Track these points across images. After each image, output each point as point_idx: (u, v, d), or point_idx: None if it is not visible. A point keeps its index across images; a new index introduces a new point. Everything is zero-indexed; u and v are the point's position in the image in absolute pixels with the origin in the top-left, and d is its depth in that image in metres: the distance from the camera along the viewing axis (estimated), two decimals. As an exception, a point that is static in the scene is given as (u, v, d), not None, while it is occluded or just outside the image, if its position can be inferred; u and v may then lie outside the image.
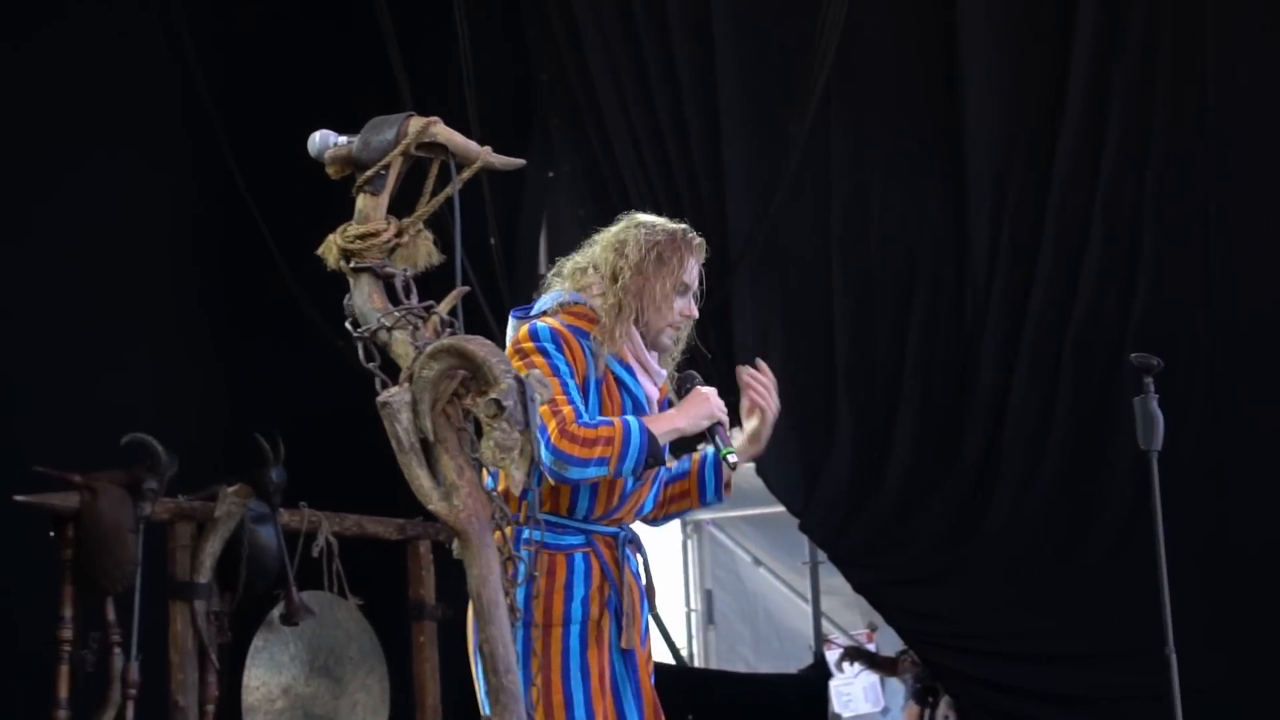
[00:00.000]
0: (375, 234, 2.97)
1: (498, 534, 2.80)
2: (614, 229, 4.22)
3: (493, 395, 2.73)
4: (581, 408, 3.97)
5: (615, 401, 4.09)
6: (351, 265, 2.99)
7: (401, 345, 2.88)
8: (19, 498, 6.03)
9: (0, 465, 6.31)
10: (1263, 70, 7.34)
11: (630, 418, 4.00)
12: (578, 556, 4.04)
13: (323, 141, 3.13)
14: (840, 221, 8.09)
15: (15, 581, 6.58)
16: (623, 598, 4.05)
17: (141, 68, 8.42)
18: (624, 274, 4.09)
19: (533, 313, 4.15)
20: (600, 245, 4.20)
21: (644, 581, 4.18)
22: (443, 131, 3.07)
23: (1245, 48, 7.38)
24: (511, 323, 4.12)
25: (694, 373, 4.25)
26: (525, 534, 3.97)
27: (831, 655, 11.54)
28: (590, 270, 4.17)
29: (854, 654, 9.81)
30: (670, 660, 9.67)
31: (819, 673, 9.95)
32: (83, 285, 7.81)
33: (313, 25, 8.83)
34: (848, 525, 7.88)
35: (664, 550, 12.50)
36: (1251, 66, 7.35)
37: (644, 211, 8.07)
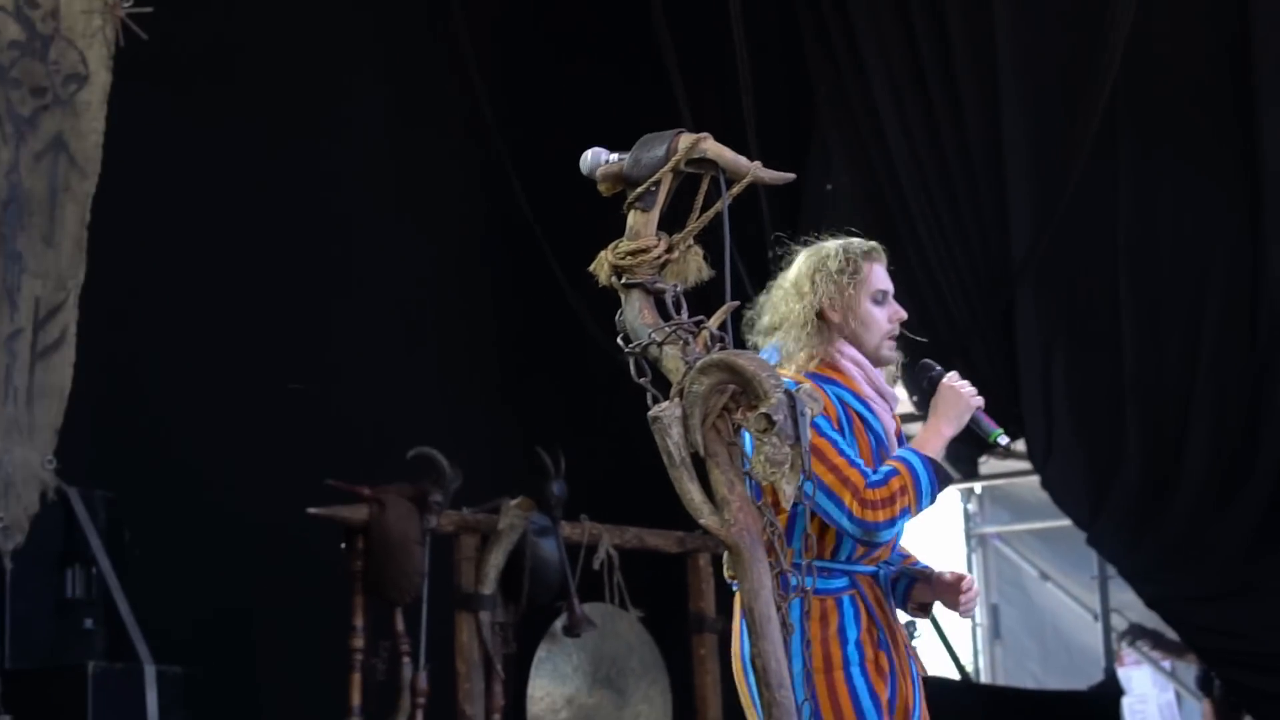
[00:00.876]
0: (646, 250, 2.98)
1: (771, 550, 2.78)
2: (786, 276, 4.12)
3: (763, 409, 2.72)
4: (863, 464, 3.89)
5: (862, 440, 3.99)
6: (623, 281, 3.01)
7: (672, 360, 2.89)
8: (311, 510, 6.22)
9: (294, 479, 6.49)
10: None
11: (906, 453, 3.92)
12: (845, 600, 3.96)
13: (594, 159, 3.16)
14: (1127, 232, 7.90)
15: (309, 591, 6.78)
16: (890, 636, 3.97)
17: (431, 98, 8.65)
18: (825, 309, 4.01)
19: None
20: (781, 296, 4.11)
21: (894, 617, 4.08)
22: (712, 147, 3.06)
23: None
24: None
25: (928, 361, 4.15)
26: (794, 581, 3.94)
27: (1124, 671, 11.30)
28: (784, 325, 4.07)
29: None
30: (956, 676, 9.50)
31: (1111, 689, 9.71)
32: (376, 304, 8.03)
33: (592, 46, 8.93)
34: (1139, 539, 7.68)
35: (948, 564, 12.32)
36: None
37: (925, 223, 8.21)
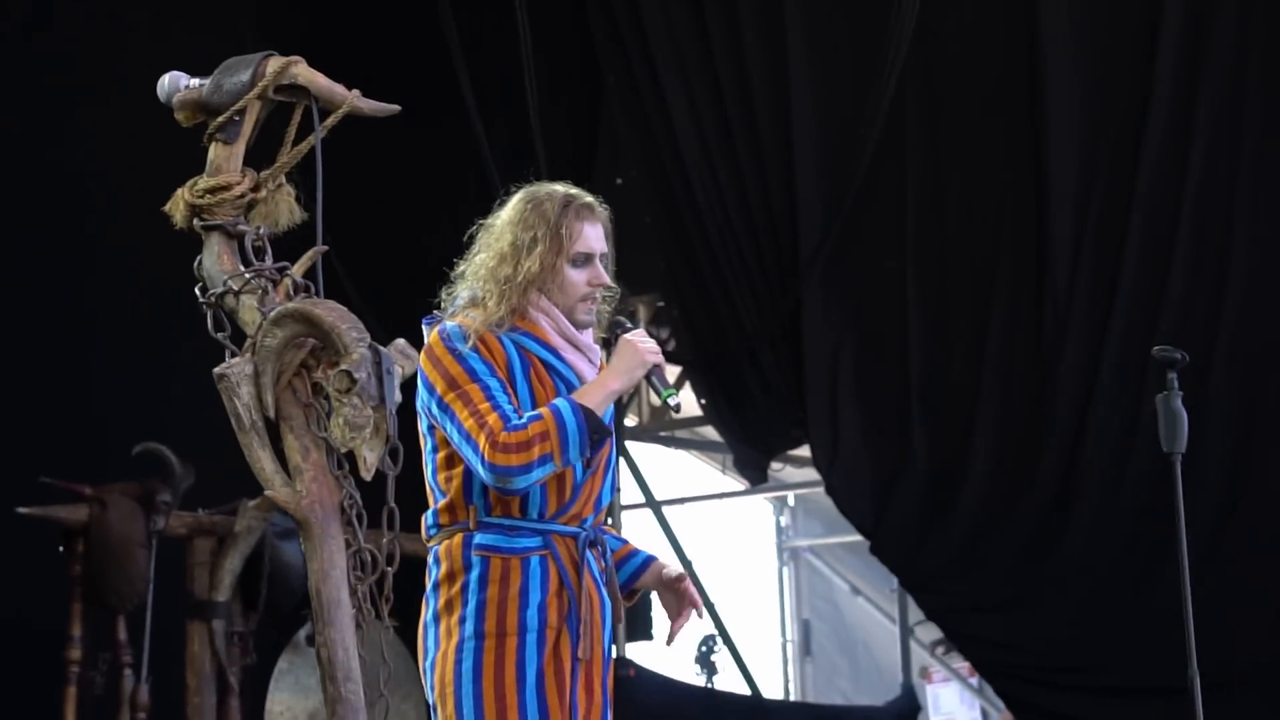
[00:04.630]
0: (227, 187, 2.63)
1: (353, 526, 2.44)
2: (505, 210, 3.90)
3: (344, 367, 2.39)
4: (509, 409, 3.69)
5: (548, 386, 3.81)
6: (201, 223, 2.65)
7: (249, 311, 2.55)
8: (22, 510, 5.81)
9: (7, 477, 6.06)
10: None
11: (559, 401, 3.72)
12: (534, 560, 3.75)
13: (172, 84, 2.80)
14: (915, 231, 7.68)
15: (23, 598, 6.34)
16: (580, 604, 3.72)
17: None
18: (505, 261, 3.78)
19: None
20: (488, 239, 3.88)
21: (603, 586, 3.83)
22: (304, 73, 2.72)
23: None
24: (425, 330, 3.82)
25: (621, 319, 3.91)
26: (477, 539, 3.69)
27: (932, 689, 11.08)
28: (481, 269, 3.87)
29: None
30: (746, 691, 9.23)
31: (908, 705, 9.47)
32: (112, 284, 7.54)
33: (373, 26, 8.57)
34: (920, 548, 7.45)
35: (759, 578, 12.10)
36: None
37: (713, 219, 7.96)
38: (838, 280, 7.87)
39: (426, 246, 6.28)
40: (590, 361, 3.88)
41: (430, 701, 3.77)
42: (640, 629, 8.55)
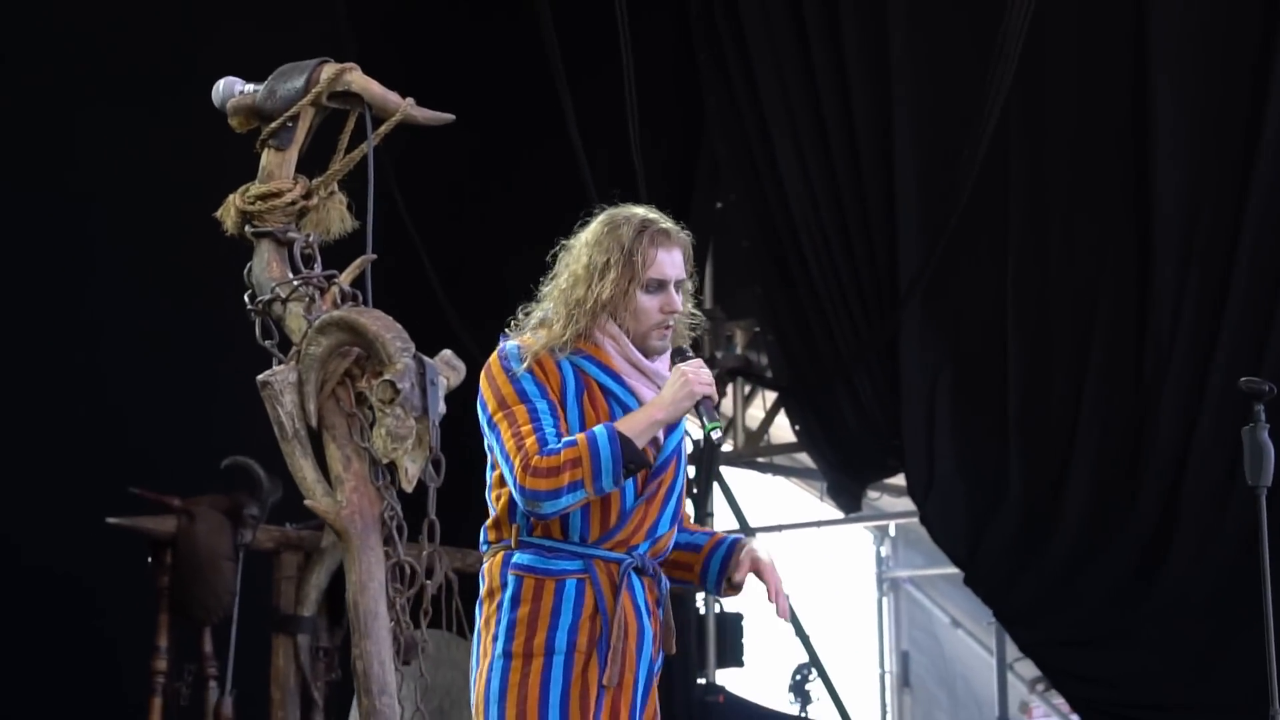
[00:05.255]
0: (278, 194, 2.62)
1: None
2: (584, 231, 3.85)
3: (387, 377, 2.37)
4: (550, 433, 3.63)
5: (601, 411, 3.73)
6: (252, 229, 2.65)
7: (295, 319, 2.54)
8: (112, 520, 5.85)
9: (100, 488, 6.11)
10: None
11: (599, 428, 3.65)
12: (570, 583, 3.68)
13: (227, 90, 2.80)
14: (1017, 262, 7.59)
15: (111, 609, 6.39)
16: (613, 629, 3.66)
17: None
18: (578, 284, 3.73)
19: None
20: (565, 260, 3.84)
21: (647, 615, 3.76)
22: (358, 80, 2.70)
23: None
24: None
25: (684, 348, 3.85)
26: (515, 558, 3.65)
27: (1028, 724, 10.94)
28: (554, 291, 3.83)
29: None
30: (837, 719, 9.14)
31: (1003, 741, 9.36)
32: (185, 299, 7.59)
33: (478, 50, 8.60)
34: (1015, 581, 7.35)
35: (859, 608, 12.01)
36: None
37: (811, 244, 7.90)
38: (936, 309, 7.79)
39: (522, 271, 6.30)
40: (658, 389, 3.80)
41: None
42: (731, 656, 8.50)
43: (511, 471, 3.56)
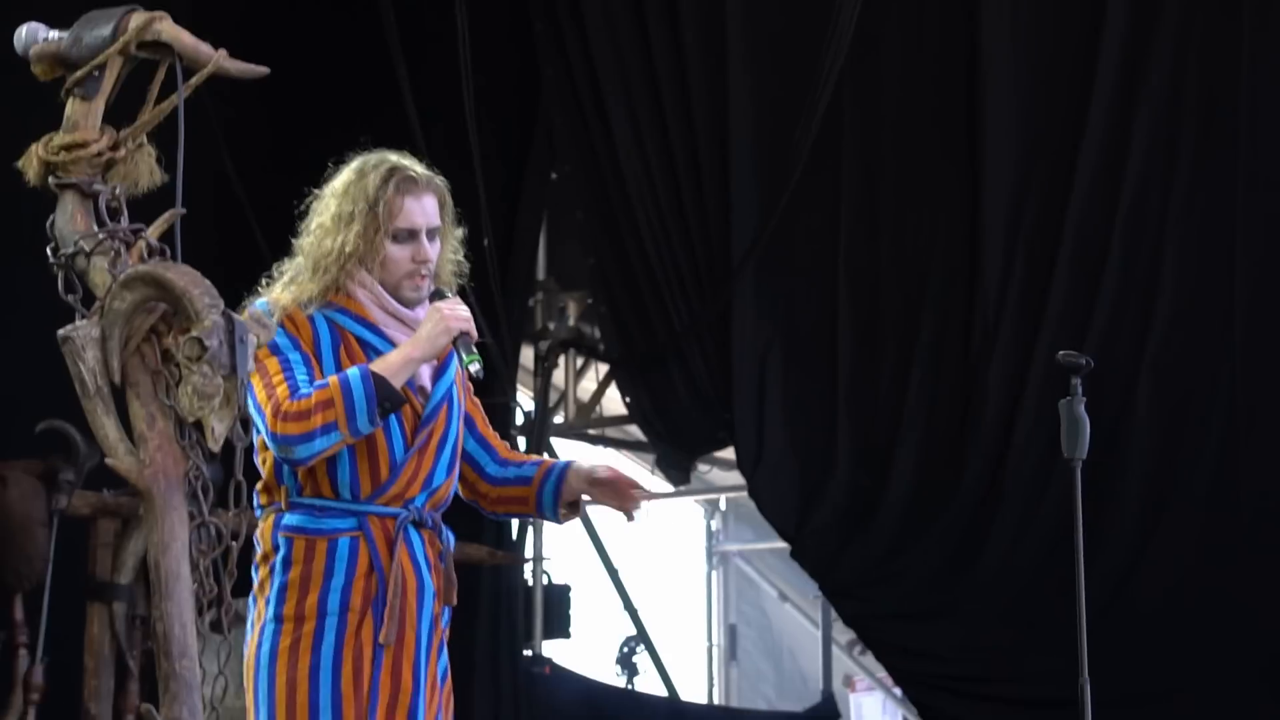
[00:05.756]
0: (83, 145, 2.53)
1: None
2: (334, 180, 3.78)
3: (194, 334, 2.30)
4: (301, 380, 3.57)
5: (357, 363, 3.66)
6: (55, 181, 2.56)
7: (100, 273, 2.46)
8: (-85, 483, 5.68)
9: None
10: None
11: (350, 369, 3.58)
12: (342, 541, 3.61)
13: (30, 35, 2.70)
14: (848, 236, 7.62)
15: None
16: (389, 587, 3.59)
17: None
18: (326, 236, 3.67)
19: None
20: (320, 203, 3.77)
21: (428, 570, 3.69)
22: (168, 29, 2.62)
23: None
24: None
25: (441, 289, 3.78)
26: (285, 520, 3.58)
27: (855, 698, 11.04)
28: (305, 245, 3.75)
29: None
30: (663, 691, 9.15)
31: (826, 714, 9.42)
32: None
33: (313, 20, 8.45)
34: (841, 555, 7.40)
35: (687, 582, 12.06)
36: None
37: (645, 217, 7.88)
38: (768, 284, 7.81)
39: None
40: None
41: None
42: (558, 627, 8.48)
43: (264, 421, 3.49)
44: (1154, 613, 6.66)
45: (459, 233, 3.82)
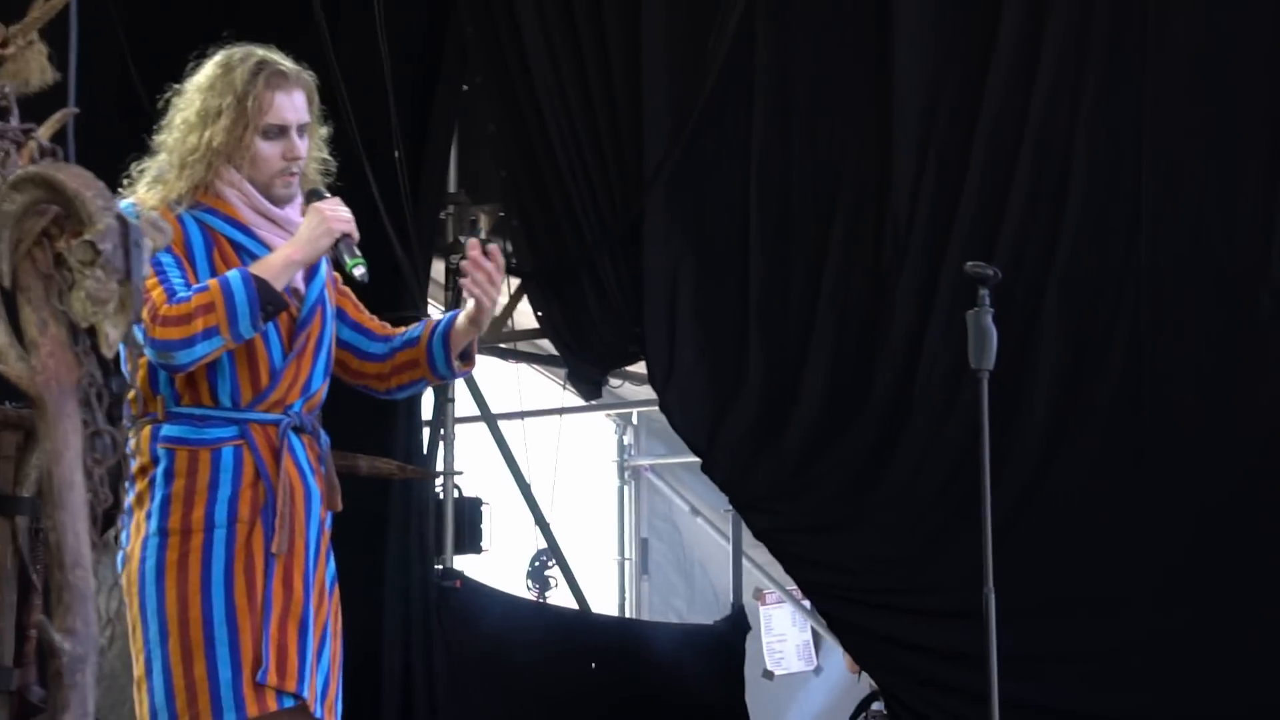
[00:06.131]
0: (-33, 43, 2.47)
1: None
2: (197, 75, 3.71)
3: (87, 237, 2.24)
4: (177, 283, 3.54)
5: (231, 266, 3.64)
6: (-61, 80, 2.49)
7: (-11, 175, 2.39)
8: None
9: None
10: (1202, 17, 6.81)
11: (231, 272, 3.57)
12: (226, 451, 3.59)
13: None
14: (760, 147, 7.59)
15: None
16: (278, 495, 3.57)
17: None
18: (191, 132, 3.61)
19: None
20: (183, 98, 3.70)
21: (311, 475, 3.67)
22: (57, -75, 2.55)
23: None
24: None
25: (318, 189, 3.75)
26: (164, 430, 3.53)
27: (765, 610, 11.11)
28: (170, 142, 3.69)
29: None
30: (574, 605, 9.17)
31: (736, 626, 9.47)
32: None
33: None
34: (752, 468, 7.41)
35: (599, 496, 12.06)
36: (1191, 12, 6.83)
37: (557, 129, 7.82)
38: (680, 197, 7.78)
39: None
40: (292, 236, 3.70)
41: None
42: (470, 542, 8.45)
43: (140, 327, 3.43)
44: (1059, 523, 6.72)
45: (324, 131, 3.78)
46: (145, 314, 3.41)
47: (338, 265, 3.71)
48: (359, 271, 3.63)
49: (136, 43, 7.97)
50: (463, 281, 3.74)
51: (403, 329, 3.94)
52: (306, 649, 3.61)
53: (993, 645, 4.94)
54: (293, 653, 3.58)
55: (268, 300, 3.51)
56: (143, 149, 7.35)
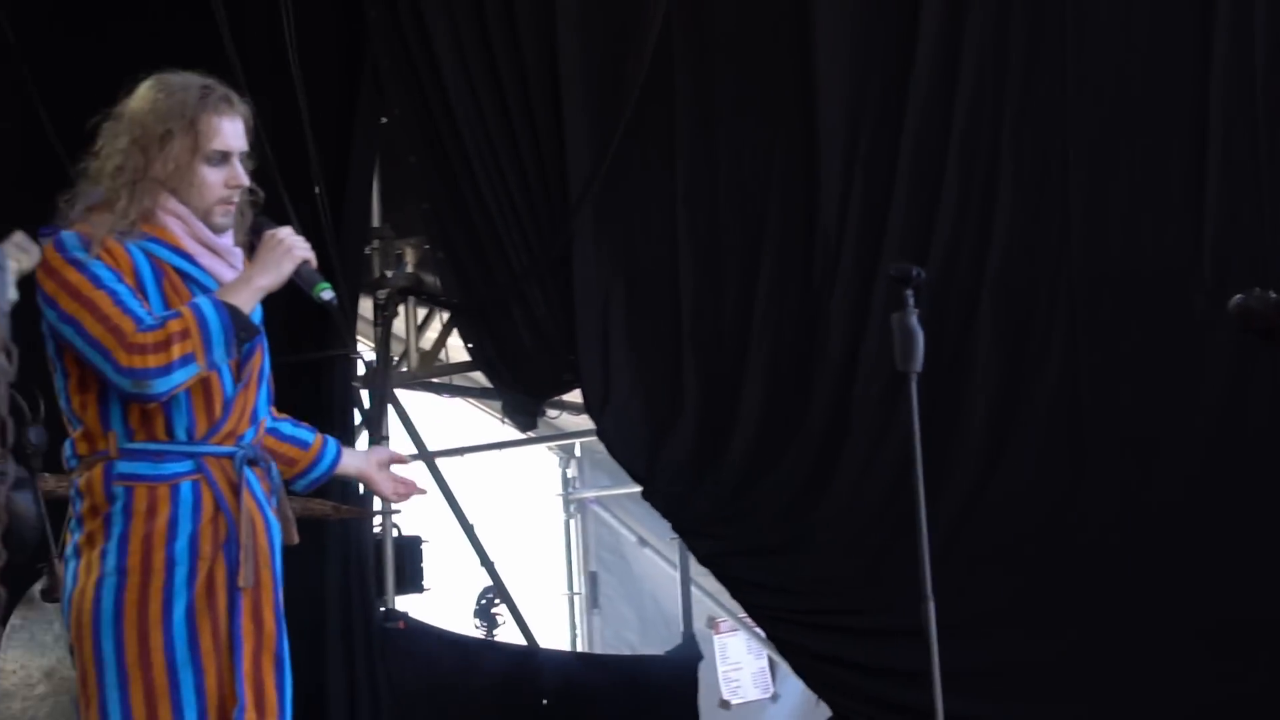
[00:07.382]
0: None
1: None
2: (133, 99, 3.64)
3: (-55, 262, 2.14)
4: (141, 312, 3.43)
5: (184, 297, 3.58)
6: None
7: None
8: None
9: None
10: (1122, 15, 6.77)
11: (200, 299, 3.53)
12: (185, 486, 3.51)
13: None
14: (686, 167, 7.52)
15: None
16: (240, 529, 3.48)
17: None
18: (138, 157, 3.53)
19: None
20: (114, 132, 3.62)
21: (268, 507, 3.59)
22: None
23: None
24: (41, 244, 3.55)
25: (264, 219, 3.69)
26: (119, 467, 3.44)
27: (720, 639, 11.02)
28: (108, 168, 3.60)
29: None
30: (523, 641, 9.05)
31: (688, 654, 9.36)
32: None
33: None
34: (692, 493, 7.32)
35: (546, 531, 11.95)
36: (1111, 9, 6.79)
37: (479, 158, 7.72)
38: (607, 222, 7.69)
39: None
40: (232, 266, 3.63)
41: (69, 643, 3.54)
42: (411, 581, 8.32)
43: (108, 358, 3.36)
44: (1000, 533, 6.65)
45: (250, 163, 3.71)
46: (113, 343, 3.35)
47: (302, 291, 3.65)
48: (327, 295, 3.61)
49: (46, 87, 7.85)
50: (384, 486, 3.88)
51: (285, 416, 3.91)
52: (285, 684, 3.55)
53: (934, 655, 4.84)
54: (270, 688, 3.50)
55: (240, 327, 3.47)
56: (42, 170, 7.27)
